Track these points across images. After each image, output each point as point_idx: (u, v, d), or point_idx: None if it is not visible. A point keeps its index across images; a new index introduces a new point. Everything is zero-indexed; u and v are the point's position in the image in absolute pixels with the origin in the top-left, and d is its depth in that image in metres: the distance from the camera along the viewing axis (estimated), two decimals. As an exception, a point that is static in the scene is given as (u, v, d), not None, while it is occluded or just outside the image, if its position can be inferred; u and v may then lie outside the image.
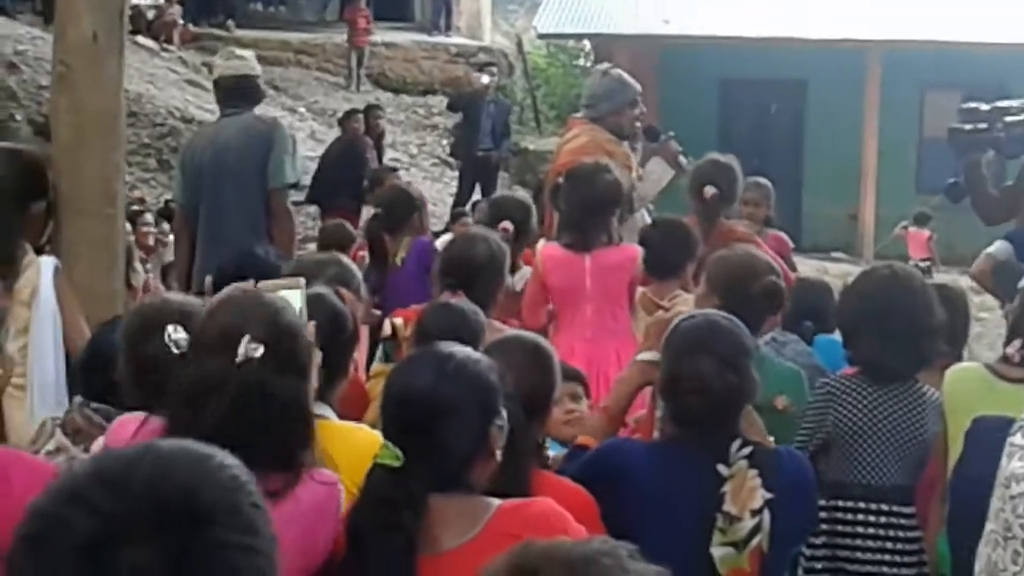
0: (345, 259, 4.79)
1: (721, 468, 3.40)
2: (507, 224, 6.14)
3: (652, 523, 3.28)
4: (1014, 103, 7.54)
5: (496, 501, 2.72)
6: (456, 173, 18.02)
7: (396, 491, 2.66)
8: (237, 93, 6.74)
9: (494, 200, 7.72)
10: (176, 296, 3.88)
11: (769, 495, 3.37)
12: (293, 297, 2.81)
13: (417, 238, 6.94)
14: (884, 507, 4.37)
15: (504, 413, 2.79)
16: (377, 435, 3.30)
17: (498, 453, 2.75)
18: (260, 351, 2.56)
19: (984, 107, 7.45)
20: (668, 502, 3.39)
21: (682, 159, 7.46)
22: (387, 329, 5.04)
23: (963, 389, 4.27)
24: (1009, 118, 7.30)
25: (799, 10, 19.07)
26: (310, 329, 2.78)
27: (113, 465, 1.48)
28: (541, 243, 6.02)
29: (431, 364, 2.81)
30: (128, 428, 2.79)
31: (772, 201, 8.16)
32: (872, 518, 4.37)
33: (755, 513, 3.37)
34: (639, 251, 5.67)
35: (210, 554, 1.42)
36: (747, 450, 3.41)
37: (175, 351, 3.11)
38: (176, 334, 3.12)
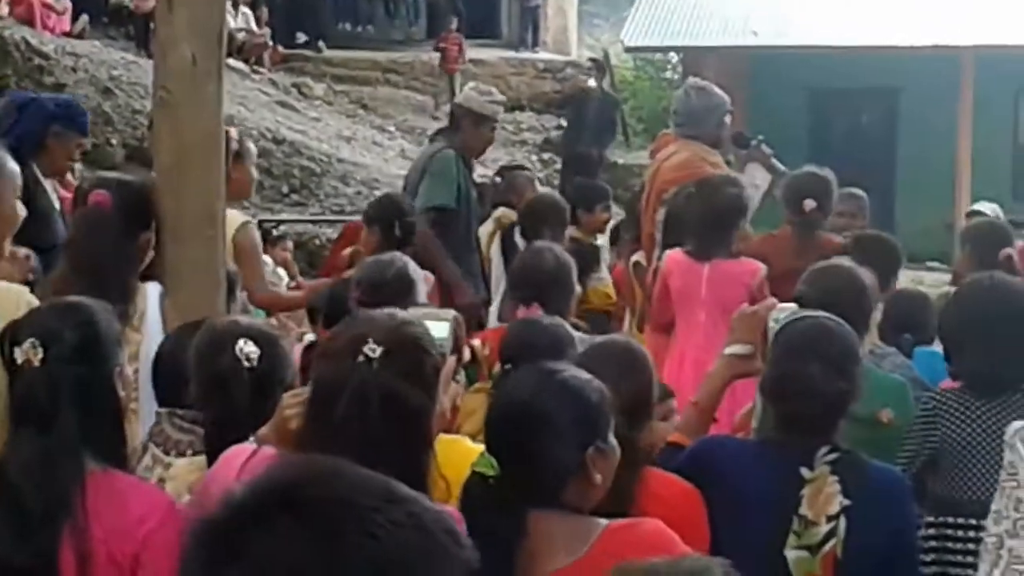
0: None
1: (804, 471, 3.39)
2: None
3: (733, 521, 3.29)
4: None
5: (604, 521, 2.71)
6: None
7: (491, 500, 2.68)
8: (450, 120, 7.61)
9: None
10: (245, 317, 3.96)
11: (847, 502, 3.35)
12: (439, 328, 2.83)
13: None
14: (996, 524, 4.30)
15: (611, 440, 2.78)
16: (475, 446, 3.33)
17: (598, 478, 2.73)
18: (379, 351, 2.58)
19: None
20: (749, 501, 3.38)
21: (775, 162, 7.46)
22: (466, 354, 5.07)
23: None
24: None
25: (889, 18, 18.90)
26: (451, 363, 2.80)
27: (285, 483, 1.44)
28: (637, 256, 6.06)
29: (534, 377, 2.83)
30: (238, 460, 2.81)
31: (867, 212, 8.09)
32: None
33: (831, 519, 3.35)
34: (761, 267, 5.67)
35: None
36: (832, 456, 3.39)
37: (246, 364, 3.17)
38: (247, 348, 3.19)
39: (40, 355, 2.88)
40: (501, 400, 2.85)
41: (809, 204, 6.41)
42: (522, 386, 2.82)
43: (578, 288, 5.37)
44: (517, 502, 2.68)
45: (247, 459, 2.83)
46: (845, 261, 4.98)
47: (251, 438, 3.02)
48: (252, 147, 6.48)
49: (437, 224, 7.26)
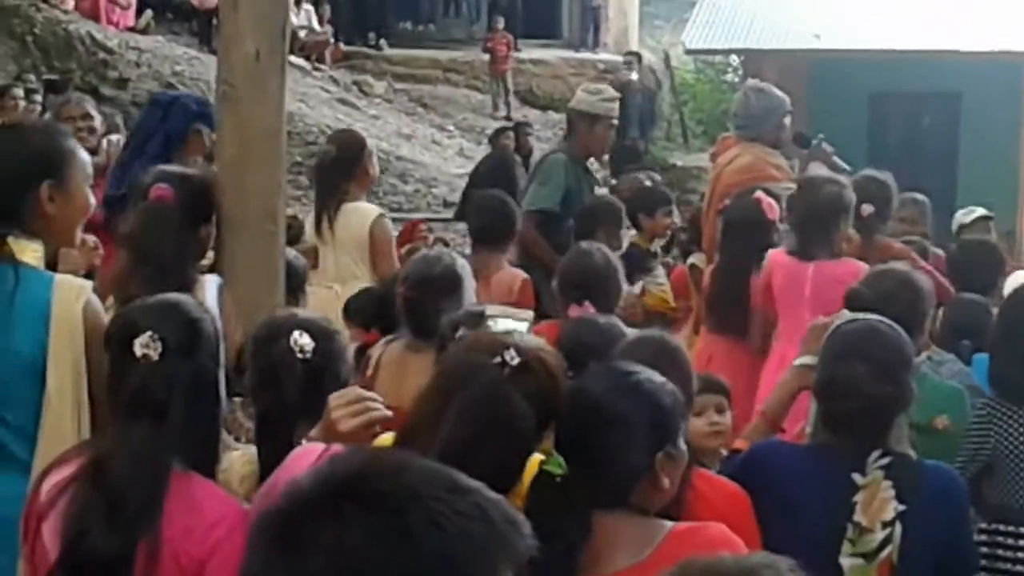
0: None
1: (856, 477, 3.37)
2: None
3: (786, 527, 3.26)
4: None
5: (668, 524, 2.71)
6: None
7: (557, 499, 2.68)
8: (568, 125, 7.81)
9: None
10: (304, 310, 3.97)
11: (902, 508, 3.33)
12: (519, 328, 2.87)
13: None
14: (1049, 533, 4.27)
15: (681, 444, 2.78)
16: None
17: (666, 482, 2.73)
18: (517, 361, 2.64)
19: None
20: (802, 507, 3.37)
21: (838, 160, 7.44)
22: None
23: None
24: None
25: (951, 22, 18.74)
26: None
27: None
28: (694, 258, 6.02)
29: (608, 377, 2.83)
30: (308, 459, 2.82)
31: (929, 218, 8.04)
32: None
33: (886, 525, 3.33)
34: (863, 267, 5.66)
35: None
36: (885, 460, 3.37)
37: (299, 355, 3.18)
38: (301, 339, 3.20)
39: (159, 349, 2.87)
40: (574, 400, 2.83)
41: (867, 209, 6.37)
42: (596, 386, 2.81)
43: (633, 288, 5.38)
44: (584, 502, 2.68)
45: (318, 458, 2.77)
46: (903, 265, 4.97)
47: (304, 440, 3.02)
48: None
49: (540, 226, 7.47)
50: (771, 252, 5.99)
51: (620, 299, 5.29)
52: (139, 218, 4.70)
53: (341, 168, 6.61)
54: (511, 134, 16.52)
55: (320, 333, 3.31)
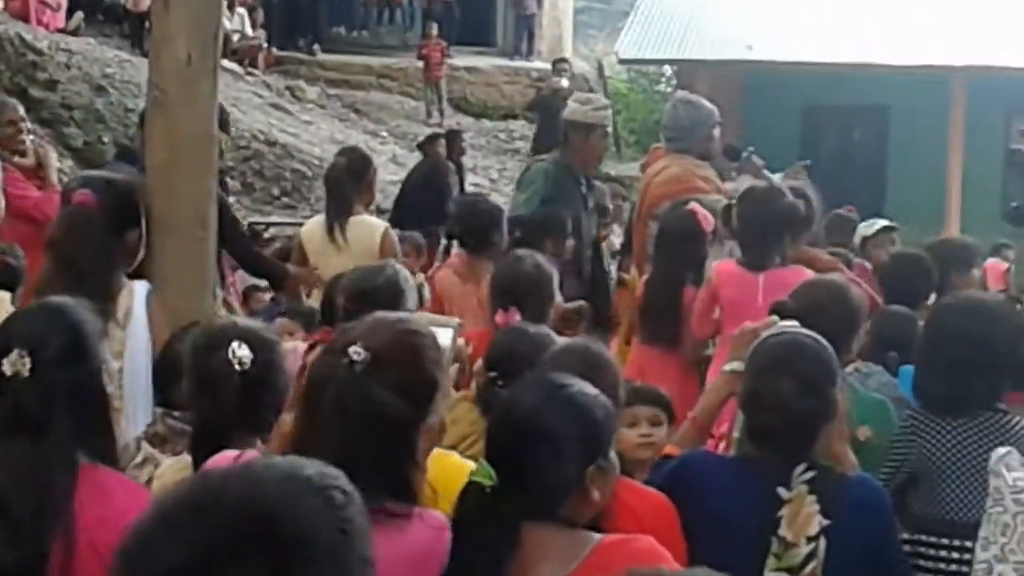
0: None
1: (781, 491, 3.37)
2: None
3: (712, 541, 3.26)
4: None
5: (596, 536, 2.70)
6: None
7: (486, 510, 2.67)
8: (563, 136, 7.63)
9: None
10: (246, 319, 3.94)
11: (827, 522, 3.34)
12: (443, 335, 2.82)
13: None
14: (968, 544, 4.28)
15: (612, 456, 2.77)
16: (464, 461, 3.32)
17: (596, 495, 2.72)
18: (363, 356, 2.59)
19: None
20: (728, 520, 3.37)
21: (767, 173, 7.50)
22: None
23: None
24: None
25: (883, 36, 18.93)
26: (452, 371, 2.77)
27: (201, 491, 1.51)
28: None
29: (541, 389, 2.81)
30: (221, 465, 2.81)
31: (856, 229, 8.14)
32: (955, 555, 4.28)
33: (811, 540, 3.34)
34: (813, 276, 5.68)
35: None
36: (809, 475, 3.38)
37: (237, 368, 3.16)
38: (240, 351, 3.18)
39: (28, 365, 2.84)
40: (505, 411, 2.81)
41: None
42: (529, 398, 2.79)
43: (559, 296, 5.39)
44: (512, 514, 2.66)
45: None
46: (836, 277, 5.02)
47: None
48: None
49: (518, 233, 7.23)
50: (716, 264, 6.01)
51: (552, 308, 5.28)
52: (60, 224, 4.63)
53: (352, 180, 7.03)
54: (443, 141, 16.51)
55: (259, 344, 3.28)
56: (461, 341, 4.98)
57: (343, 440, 2.51)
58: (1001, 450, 3.73)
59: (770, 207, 5.83)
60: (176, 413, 3.63)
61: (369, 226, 6.90)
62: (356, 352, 2.58)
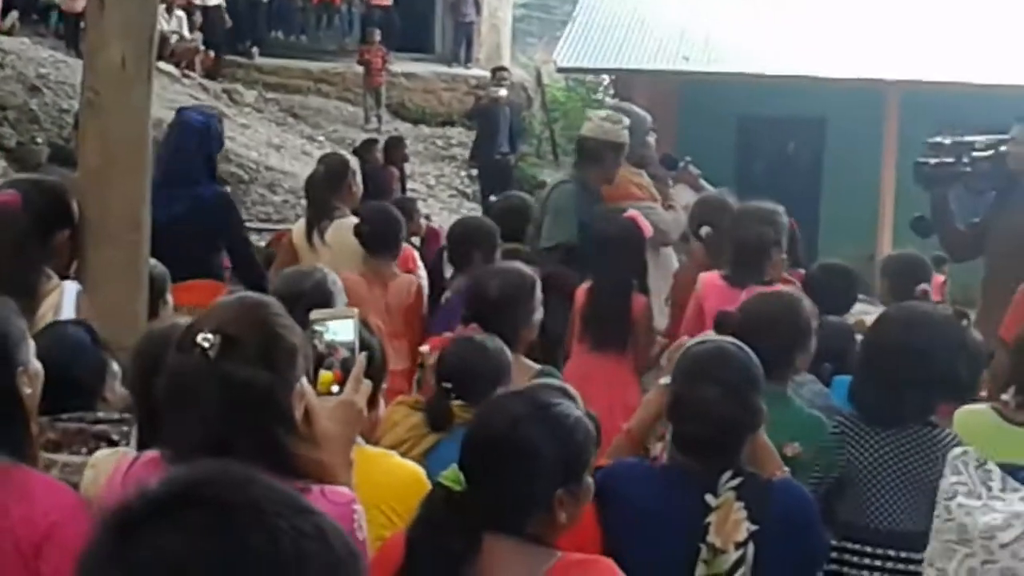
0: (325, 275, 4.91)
1: (708, 498, 3.39)
2: None
3: (641, 548, 3.28)
4: (980, 138, 7.52)
5: (557, 553, 2.69)
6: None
7: (449, 514, 2.67)
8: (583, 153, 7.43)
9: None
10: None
11: (754, 528, 3.36)
12: (345, 327, 2.78)
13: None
14: (891, 552, 4.31)
15: (586, 480, 2.77)
16: (404, 462, 3.32)
17: (563, 517, 2.71)
18: (214, 340, 2.51)
19: (950, 141, 7.46)
20: (656, 528, 3.39)
21: (704, 183, 7.55)
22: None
23: (972, 431, 4.26)
24: (976, 153, 7.30)
25: (818, 49, 19.10)
26: (360, 360, 2.73)
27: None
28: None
29: (523, 404, 2.80)
30: (121, 468, 2.78)
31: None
32: (879, 563, 4.32)
33: (739, 546, 3.35)
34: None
35: None
36: (736, 481, 3.40)
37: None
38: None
39: None
40: (485, 423, 2.80)
41: (706, 230, 6.57)
42: (511, 412, 2.78)
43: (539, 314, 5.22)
44: (476, 522, 2.66)
45: (130, 464, 2.76)
46: (790, 290, 5.10)
47: None
48: None
49: (563, 260, 7.01)
50: (703, 275, 6.07)
51: (525, 327, 5.06)
52: None
53: (330, 185, 7.27)
54: (380, 146, 16.47)
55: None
56: (425, 348, 4.96)
57: (219, 429, 2.44)
58: (958, 450, 3.79)
59: (758, 228, 5.89)
60: (64, 416, 3.58)
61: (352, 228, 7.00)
62: (205, 339, 2.50)
